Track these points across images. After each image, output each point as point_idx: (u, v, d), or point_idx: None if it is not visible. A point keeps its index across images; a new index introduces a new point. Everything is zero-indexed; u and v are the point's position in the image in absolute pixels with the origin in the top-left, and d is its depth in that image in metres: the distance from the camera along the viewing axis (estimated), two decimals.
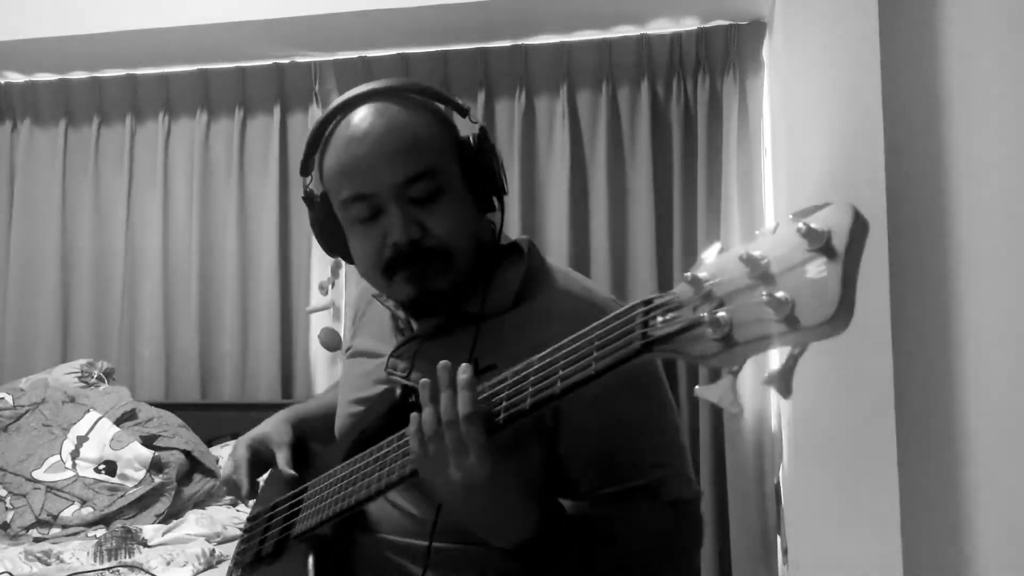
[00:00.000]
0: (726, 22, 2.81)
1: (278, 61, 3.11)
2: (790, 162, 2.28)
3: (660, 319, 0.65)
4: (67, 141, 3.22)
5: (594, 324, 0.73)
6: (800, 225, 0.56)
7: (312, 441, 1.25)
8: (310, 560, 1.03)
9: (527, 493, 0.87)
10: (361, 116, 1.03)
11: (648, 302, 0.67)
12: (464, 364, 0.83)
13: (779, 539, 2.59)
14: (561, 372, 0.75)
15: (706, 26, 2.82)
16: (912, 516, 2.12)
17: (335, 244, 1.10)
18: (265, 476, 1.24)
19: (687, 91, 2.84)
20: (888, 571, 2.08)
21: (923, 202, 2.19)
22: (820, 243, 0.55)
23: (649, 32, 2.87)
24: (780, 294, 0.56)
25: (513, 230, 2.75)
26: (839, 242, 0.54)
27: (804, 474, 2.26)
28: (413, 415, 0.85)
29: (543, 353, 0.78)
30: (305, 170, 1.10)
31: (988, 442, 2.16)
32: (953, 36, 2.23)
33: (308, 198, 1.11)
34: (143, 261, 3.15)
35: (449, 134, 1.06)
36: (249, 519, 1.23)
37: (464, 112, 1.10)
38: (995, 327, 2.16)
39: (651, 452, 1.01)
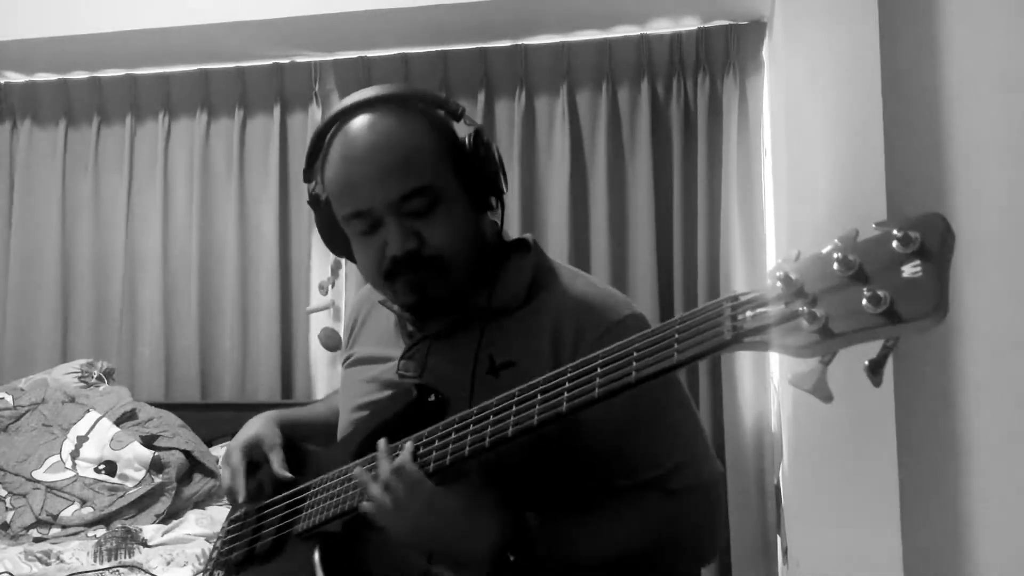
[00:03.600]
0: (726, 22, 2.80)
1: (278, 61, 3.10)
2: (790, 162, 2.28)
3: (750, 313, 0.70)
4: (67, 141, 3.21)
5: (674, 319, 0.77)
6: (895, 231, 0.62)
7: (303, 444, 1.25)
8: (316, 555, 1.03)
9: (478, 516, 0.94)
10: (356, 131, 1.04)
11: (735, 298, 0.72)
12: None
13: (779, 539, 2.59)
14: (636, 363, 0.77)
15: (706, 26, 2.82)
16: (912, 516, 2.12)
17: (340, 246, 1.13)
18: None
19: (687, 91, 2.84)
20: (888, 571, 2.08)
21: (923, 202, 2.19)
22: (914, 247, 0.62)
23: (649, 32, 2.87)
24: (880, 292, 0.61)
25: (513, 230, 2.75)
26: (933, 245, 0.61)
27: (804, 474, 2.26)
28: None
29: (618, 344, 0.80)
30: (308, 177, 1.12)
31: (988, 442, 2.16)
32: (953, 36, 2.23)
33: (314, 202, 1.13)
34: (143, 261, 3.15)
35: (444, 141, 1.06)
36: (232, 520, 1.22)
37: (458, 116, 1.10)
38: (995, 327, 2.16)
39: (665, 446, 1.04)
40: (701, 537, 1.07)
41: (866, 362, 0.64)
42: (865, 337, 0.63)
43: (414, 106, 1.07)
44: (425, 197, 1.02)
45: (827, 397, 0.67)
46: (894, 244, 0.62)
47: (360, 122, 1.04)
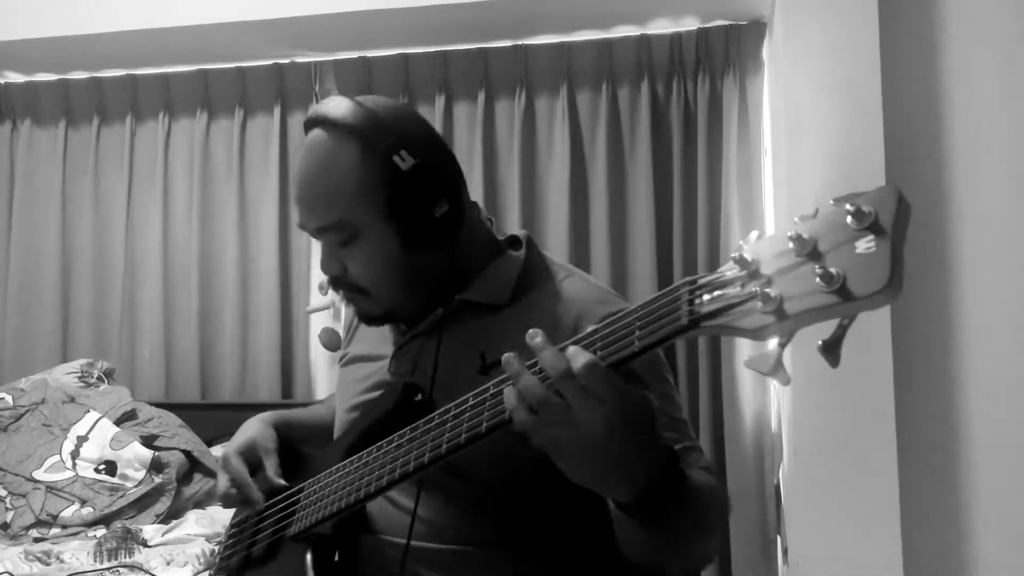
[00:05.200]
0: (726, 22, 2.80)
1: (278, 61, 3.10)
2: (790, 162, 2.28)
3: (707, 296, 0.67)
4: (67, 141, 3.21)
5: (635, 305, 0.74)
6: (848, 206, 0.60)
7: (299, 446, 1.25)
8: (308, 558, 1.03)
9: (650, 435, 0.78)
10: (304, 148, 1.08)
11: (692, 281, 0.69)
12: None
13: (779, 539, 2.59)
14: (600, 352, 0.75)
15: (706, 26, 2.82)
16: (912, 516, 2.12)
17: None
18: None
19: (687, 91, 2.84)
20: (888, 571, 2.08)
21: (923, 202, 2.19)
22: (868, 222, 0.59)
23: (649, 32, 2.87)
24: (832, 269, 0.59)
25: (513, 228, 2.76)
26: (886, 220, 0.59)
27: (804, 474, 2.26)
28: (507, 389, 0.77)
29: (580, 335, 0.77)
30: None
31: (987, 442, 2.16)
32: (953, 36, 2.23)
33: None
34: (143, 261, 3.15)
35: (374, 175, 1.01)
36: (233, 524, 1.22)
37: (396, 150, 1.01)
38: (994, 327, 2.16)
39: (682, 422, 1.03)
40: (723, 521, 1.06)
41: (820, 342, 0.62)
42: (820, 316, 0.61)
43: (356, 135, 1.02)
44: (341, 232, 1.05)
45: (785, 380, 0.65)
46: (848, 219, 0.60)
47: (309, 139, 1.07)
